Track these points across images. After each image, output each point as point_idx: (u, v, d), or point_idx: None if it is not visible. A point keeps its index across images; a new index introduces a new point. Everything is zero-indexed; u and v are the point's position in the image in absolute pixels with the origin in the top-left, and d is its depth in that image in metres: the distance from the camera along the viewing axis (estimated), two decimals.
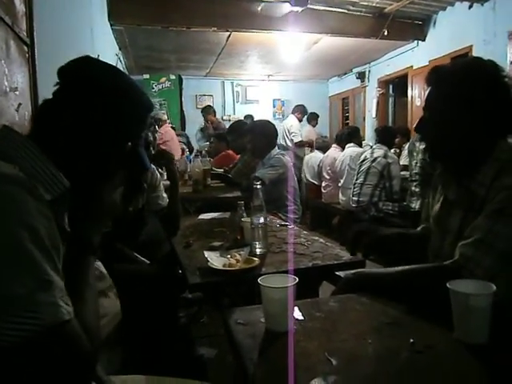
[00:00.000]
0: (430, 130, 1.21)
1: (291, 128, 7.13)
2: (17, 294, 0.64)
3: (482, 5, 4.80)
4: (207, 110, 7.36)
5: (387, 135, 4.39)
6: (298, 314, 1.02)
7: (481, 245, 1.03)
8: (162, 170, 2.77)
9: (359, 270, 1.30)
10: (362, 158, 4.35)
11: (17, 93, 1.50)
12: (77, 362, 0.69)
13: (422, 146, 3.59)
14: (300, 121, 7.28)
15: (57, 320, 0.66)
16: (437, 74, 1.19)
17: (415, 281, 1.11)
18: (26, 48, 1.63)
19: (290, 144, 7.05)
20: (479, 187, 1.12)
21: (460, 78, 1.14)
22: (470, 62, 1.22)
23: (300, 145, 6.97)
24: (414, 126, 1.25)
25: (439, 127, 1.17)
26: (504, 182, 1.06)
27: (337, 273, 1.69)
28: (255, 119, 6.04)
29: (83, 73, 0.87)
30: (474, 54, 4.95)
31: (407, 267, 1.17)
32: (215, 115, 7.46)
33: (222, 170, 4.17)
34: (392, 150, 5.12)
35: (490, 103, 1.10)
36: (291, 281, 0.96)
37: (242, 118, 6.93)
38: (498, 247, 1.02)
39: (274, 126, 3.52)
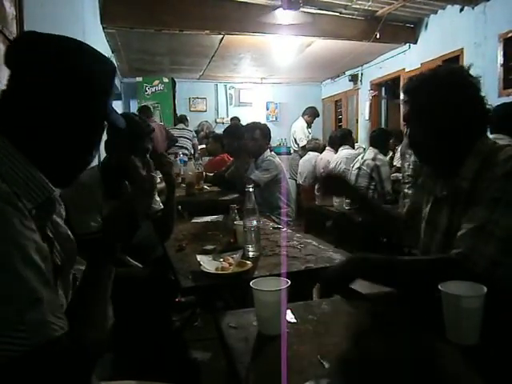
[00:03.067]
0: (413, 139, 1.26)
1: (294, 134, 7.12)
2: (4, 314, 0.63)
3: (473, 8, 4.84)
4: (145, 112, 6.07)
5: (381, 138, 4.40)
6: (290, 316, 1.02)
7: (480, 234, 1.04)
8: (155, 173, 2.76)
9: (368, 254, 1.25)
10: (355, 160, 4.37)
11: None
12: (68, 379, 0.68)
13: None
14: (309, 124, 7.15)
15: (47, 338, 0.65)
16: (412, 86, 1.23)
17: (421, 271, 1.10)
18: None
19: (296, 148, 7.05)
20: (462, 180, 1.16)
21: (435, 86, 1.18)
22: (442, 70, 1.25)
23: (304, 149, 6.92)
24: (408, 142, 1.30)
25: (421, 135, 1.21)
26: (494, 172, 1.08)
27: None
28: (243, 121, 6.02)
29: (26, 56, 0.80)
30: (465, 56, 4.99)
31: (413, 258, 1.17)
32: (152, 117, 6.41)
33: (212, 174, 4.17)
34: (390, 153, 5.14)
35: (465, 106, 1.14)
36: (283, 284, 0.96)
37: (231, 121, 6.92)
38: (498, 235, 1.03)
39: (269, 128, 3.58)
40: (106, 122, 0.90)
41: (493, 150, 1.14)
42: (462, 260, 1.04)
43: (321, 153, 5.65)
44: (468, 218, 1.09)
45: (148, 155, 2.03)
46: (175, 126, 7.23)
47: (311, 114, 7.15)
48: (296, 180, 6.15)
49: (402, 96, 1.28)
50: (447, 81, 1.18)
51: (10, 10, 1.58)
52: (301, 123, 7.19)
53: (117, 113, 0.96)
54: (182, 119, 7.31)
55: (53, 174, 0.82)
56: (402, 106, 6.22)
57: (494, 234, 1.03)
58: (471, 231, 1.06)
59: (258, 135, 3.38)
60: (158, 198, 2.18)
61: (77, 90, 0.81)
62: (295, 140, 7.11)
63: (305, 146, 6.73)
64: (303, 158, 6.10)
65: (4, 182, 0.71)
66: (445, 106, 1.15)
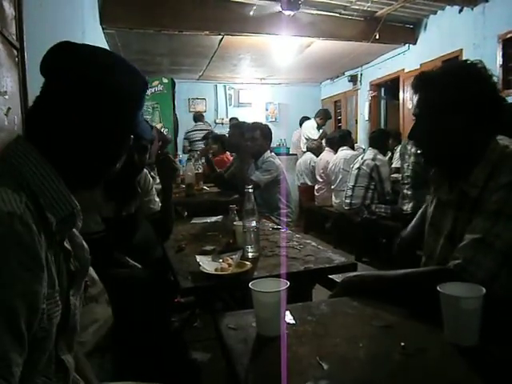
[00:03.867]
0: (422, 136, 1.21)
1: (305, 134, 7.06)
2: None
3: (472, 9, 4.85)
4: None
5: (381, 139, 4.41)
6: (289, 318, 1.02)
7: (481, 246, 1.03)
8: (154, 173, 2.76)
9: (359, 272, 1.28)
10: (355, 161, 4.38)
11: (6, 97, 1.49)
12: None
13: (414, 149, 3.62)
14: (320, 126, 7.07)
15: None
16: (424, 80, 1.19)
17: (418, 283, 1.09)
18: (15, 52, 1.62)
19: (304, 150, 7.02)
20: (472, 188, 1.12)
21: (448, 81, 1.14)
22: (457, 65, 1.22)
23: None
24: (408, 133, 1.25)
25: (432, 133, 1.16)
26: (498, 181, 1.07)
27: (330, 276, 1.70)
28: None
29: (64, 65, 0.81)
30: (464, 57, 4.99)
31: (409, 270, 1.15)
32: None
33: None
34: (389, 154, 5.15)
35: (479, 103, 1.10)
36: (282, 285, 0.95)
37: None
38: (498, 248, 1.01)
39: (270, 129, 3.55)
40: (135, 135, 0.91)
41: (502, 157, 1.11)
42: (460, 271, 1.03)
43: (317, 154, 5.65)
44: (470, 228, 1.08)
45: (147, 155, 2.02)
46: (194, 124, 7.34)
47: (323, 117, 7.08)
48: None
49: (411, 91, 1.24)
50: (463, 74, 1.14)
51: (10, 10, 1.58)
52: (311, 123, 7.15)
53: (146, 122, 0.97)
54: (200, 117, 7.41)
55: (77, 181, 0.82)
56: (405, 107, 6.25)
57: (495, 247, 1.01)
58: (472, 242, 1.05)
59: (259, 135, 3.38)
60: (157, 199, 2.18)
61: (108, 101, 0.81)
62: (308, 139, 7.01)
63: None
64: (300, 159, 6.11)
65: (29, 189, 0.71)
66: (459, 100, 1.10)
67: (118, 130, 0.85)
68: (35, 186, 0.73)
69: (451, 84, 1.13)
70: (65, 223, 0.78)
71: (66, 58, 0.81)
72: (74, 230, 0.88)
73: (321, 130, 7.02)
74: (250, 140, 3.37)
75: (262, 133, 3.40)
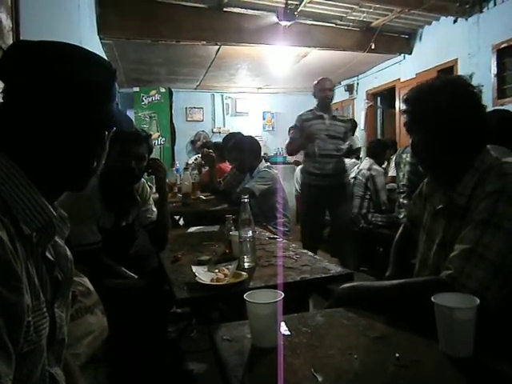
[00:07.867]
0: (420, 150, 1.24)
1: None
2: None
3: (467, 19, 4.90)
4: None
5: (379, 149, 4.43)
6: (284, 329, 1.01)
7: (470, 256, 1.03)
8: (151, 183, 2.76)
9: (354, 283, 1.28)
10: (351, 170, 4.39)
11: None
12: None
13: (409, 158, 3.64)
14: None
15: None
16: (416, 95, 1.22)
17: (411, 294, 1.09)
18: None
19: None
20: (459, 196, 1.16)
21: (440, 96, 1.16)
22: (446, 81, 1.24)
23: None
24: (411, 151, 1.30)
25: (426, 145, 1.20)
26: (485, 189, 1.08)
27: (328, 286, 1.70)
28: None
29: (17, 67, 0.76)
30: (459, 67, 5.04)
31: (403, 280, 1.16)
32: None
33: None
34: (385, 163, 5.15)
35: (469, 117, 1.13)
36: (277, 296, 0.95)
37: (233, 131, 6.89)
38: (489, 258, 1.01)
39: (257, 140, 3.57)
40: (110, 129, 0.86)
41: (490, 167, 1.13)
42: (452, 282, 1.03)
43: None
44: (460, 238, 1.09)
45: (145, 162, 2.02)
46: None
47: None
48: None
49: (401, 106, 1.29)
50: (447, 90, 1.17)
51: (7, 22, 1.59)
52: None
53: (124, 115, 0.93)
54: None
55: (55, 185, 0.80)
56: (401, 116, 6.28)
57: (486, 258, 1.01)
58: (462, 253, 1.05)
59: (239, 151, 3.39)
60: (154, 209, 2.18)
61: (71, 96, 0.77)
62: None
63: None
64: (298, 169, 6.12)
65: (1, 198, 0.69)
66: (443, 115, 1.14)
67: (87, 125, 0.80)
68: (7, 195, 0.70)
69: (439, 99, 1.16)
70: (43, 233, 0.76)
71: (21, 58, 0.77)
72: (58, 239, 0.86)
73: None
74: (232, 156, 3.40)
75: (244, 147, 3.40)
